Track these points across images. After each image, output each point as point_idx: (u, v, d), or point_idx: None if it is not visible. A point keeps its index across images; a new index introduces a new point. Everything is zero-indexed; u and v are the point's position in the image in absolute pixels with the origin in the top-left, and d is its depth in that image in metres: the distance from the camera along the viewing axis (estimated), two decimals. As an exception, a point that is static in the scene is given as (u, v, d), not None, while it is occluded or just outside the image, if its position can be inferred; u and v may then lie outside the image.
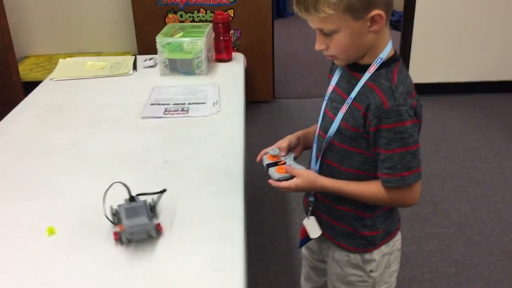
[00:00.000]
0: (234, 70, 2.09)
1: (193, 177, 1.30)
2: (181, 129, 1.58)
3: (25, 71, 3.37)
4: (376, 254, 1.21)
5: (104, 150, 1.46)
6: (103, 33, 3.72)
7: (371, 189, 1.10)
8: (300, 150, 1.27)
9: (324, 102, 1.19)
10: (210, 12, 3.47)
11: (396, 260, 1.27)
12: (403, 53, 3.81)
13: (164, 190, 1.11)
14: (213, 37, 2.14)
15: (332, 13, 0.98)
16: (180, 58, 2.00)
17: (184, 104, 1.75)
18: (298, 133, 1.28)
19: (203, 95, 1.82)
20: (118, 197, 1.10)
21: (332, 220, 1.22)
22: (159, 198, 1.09)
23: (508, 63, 3.75)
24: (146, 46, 3.57)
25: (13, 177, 1.32)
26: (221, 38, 2.13)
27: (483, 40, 3.68)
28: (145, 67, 2.12)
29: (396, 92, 1.02)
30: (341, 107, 1.10)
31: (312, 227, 1.23)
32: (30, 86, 3.21)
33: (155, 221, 1.06)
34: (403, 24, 3.83)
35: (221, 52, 2.15)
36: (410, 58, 3.77)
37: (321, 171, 1.18)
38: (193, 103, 1.75)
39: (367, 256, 1.21)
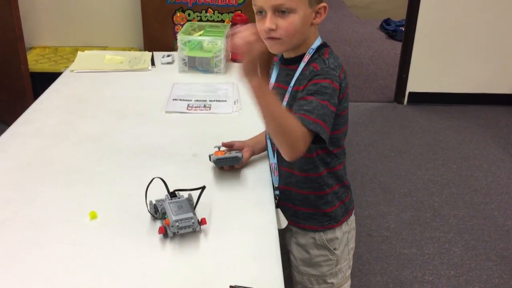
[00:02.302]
0: (250, 70, 2.15)
1: (222, 171, 1.36)
2: (205, 125, 1.63)
3: (32, 61, 3.38)
4: (338, 232, 1.32)
5: (132, 141, 1.50)
6: (110, 28, 3.74)
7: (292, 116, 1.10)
8: (247, 152, 1.35)
9: None
10: (218, 12, 3.53)
11: (353, 238, 1.39)
12: (403, 63, 3.90)
13: (203, 187, 1.15)
14: (230, 37, 2.19)
15: None
16: (200, 56, 2.05)
17: (206, 101, 1.80)
18: (246, 140, 1.40)
19: (223, 93, 1.87)
20: (154, 191, 1.14)
21: (295, 206, 1.30)
22: (200, 194, 1.14)
23: (504, 77, 3.87)
24: (152, 42, 3.62)
25: (48, 164, 1.36)
26: (238, 38, 2.18)
27: (481, 54, 3.79)
28: (162, 63, 2.16)
29: (327, 60, 1.16)
30: (283, 98, 1.21)
31: (279, 218, 1.30)
32: (36, 76, 3.27)
33: (198, 216, 1.10)
34: (404, 34, 3.92)
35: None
36: (410, 68, 3.86)
37: (279, 162, 1.28)
38: (214, 100, 1.80)
39: (330, 234, 1.31)
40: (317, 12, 1.16)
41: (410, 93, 3.93)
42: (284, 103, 1.20)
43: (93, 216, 1.13)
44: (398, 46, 4.29)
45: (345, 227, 1.34)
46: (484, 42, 3.75)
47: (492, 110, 3.85)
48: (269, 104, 1.07)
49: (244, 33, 1.07)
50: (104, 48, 3.57)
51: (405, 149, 3.22)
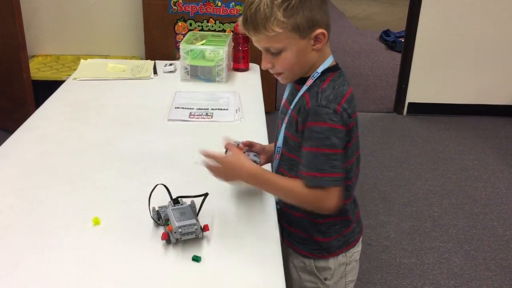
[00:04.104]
0: (251, 79, 2.16)
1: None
2: (207, 133, 1.65)
3: (34, 69, 3.40)
4: (332, 263, 1.26)
5: (135, 148, 1.51)
6: (111, 37, 3.77)
7: (291, 182, 1.13)
8: (264, 159, 1.33)
9: (279, 115, 1.26)
10: (220, 22, 3.56)
11: (353, 271, 1.31)
12: (403, 73, 3.93)
13: (206, 194, 1.16)
14: (232, 46, 2.21)
15: (280, 31, 1.05)
16: (202, 65, 2.07)
17: (208, 109, 1.81)
18: (266, 146, 1.37)
19: (225, 101, 1.88)
20: (157, 198, 1.15)
21: (290, 226, 1.27)
22: (202, 201, 1.15)
23: (503, 88, 3.90)
24: (153, 51, 3.64)
25: (51, 170, 1.37)
26: (240, 48, 2.20)
27: (480, 65, 3.82)
28: (165, 72, 2.18)
29: (320, 95, 1.09)
30: (285, 118, 1.19)
31: None
32: (38, 84, 3.28)
33: (201, 222, 1.10)
34: (404, 45, 3.95)
35: (239, 61, 2.23)
36: (410, 78, 3.89)
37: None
38: (216, 109, 1.81)
39: (322, 263, 1.25)
40: (315, 39, 1.09)
41: (409, 103, 3.96)
42: (284, 125, 1.18)
43: (96, 222, 1.14)
44: (397, 57, 4.32)
45: (342, 258, 1.27)
46: (483, 53, 3.78)
47: (491, 121, 3.87)
48: (267, 188, 1.17)
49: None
50: (106, 57, 3.59)
51: (405, 159, 3.23)
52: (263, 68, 1.15)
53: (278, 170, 1.24)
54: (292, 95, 1.19)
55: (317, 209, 1.15)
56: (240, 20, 1.12)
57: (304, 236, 1.25)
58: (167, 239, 1.07)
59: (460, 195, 2.87)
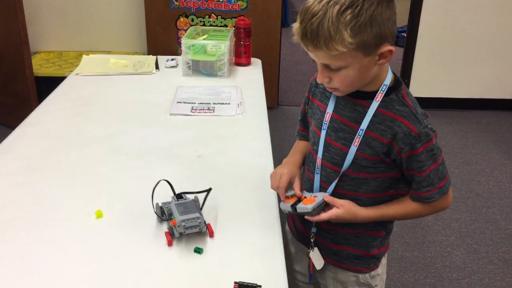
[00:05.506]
0: (253, 74, 2.17)
1: (227, 172, 1.37)
2: (209, 127, 1.65)
3: (36, 66, 3.41)
4: (380, 269, 1.26)
5: (137, 143, 1.52)
6: (113, 33, 3.77)
7: (411, 207, 1.12)
8: (298, 181, 1.19)
9: (324, 131, 1.13)
10: (221, 18, 3.56)
11: (385, 267, 1.31)
12: (405, 68, 3.92)
13: (209, 189, 1.16)
14: (234, 41, 2.21)
15: (344, 50, 0.94)
16: (203, 60, 2.07)
17: (210, 103, 1.81)
18: (289, 168, 1.20)
19: (227, 96, 1.89)
20: (160, 192, 1.15)
21: (338, 245, 1.22)
22: (206, 196, 1.15)
23: (505, 82, 3.89)
24: (155, 47, 3.64)
25: (54, 165, 1.38)
26: (242, 42, 2.20)
27: (483, 60, 3.81)
28: (167, 67, 2.18)
29: (418, 115, 1.04)
30: (351, 138, 1.08)
31: (317, 258, 1.23)
32: (41, 81, 3.29)
33: (204, 216, 1.10)
34: (406, 40, 3.95)
35: (240, 56, 2.23)
36: (412, 73, 3.88)
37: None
38: (218, 103, 1.82)
39: (373, 272, 1.25)
40: (380, 55, 0.99)
41: (412, 98, 3.95)
42: (354, 148, 1.08)
43: (99, 215, 1.15)
44: (399, 51, 4.31)
45: (383, 260, 1.27)
46: (485, 47, 3.77)
47: (494, 115, 3.87)
48: (383, 218, 1.14)
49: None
50: (108, 52, 3.58)
51: (407, 154, 3.22)
52: (318, 81, 1.07)
53: (335, 192, 1.13)
54: (355, 111, 1.09)
55: (438, 211, 1.17)
56: (295, 28, 0.99)
57: (357, 253, 1.21)
58: (171, 234, 1.08)
59: (462, 189, 2.87)
